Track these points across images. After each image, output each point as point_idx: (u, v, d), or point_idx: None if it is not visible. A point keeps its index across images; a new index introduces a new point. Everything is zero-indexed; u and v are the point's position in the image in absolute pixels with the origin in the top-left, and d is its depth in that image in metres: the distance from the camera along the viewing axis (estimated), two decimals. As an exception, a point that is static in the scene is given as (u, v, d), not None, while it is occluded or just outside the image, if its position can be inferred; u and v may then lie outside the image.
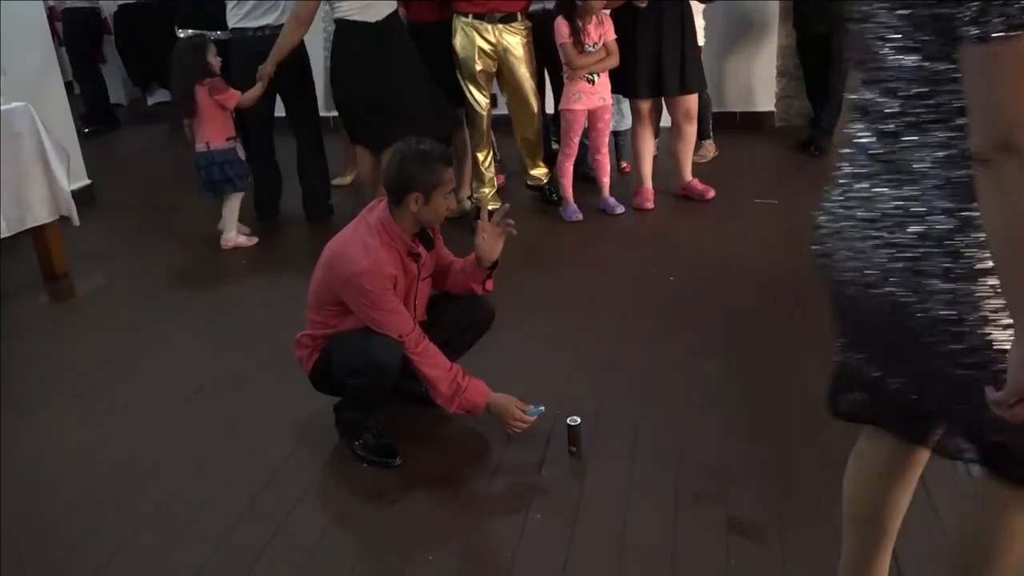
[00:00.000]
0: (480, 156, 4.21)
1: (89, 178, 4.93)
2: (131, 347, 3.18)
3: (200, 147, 3.91)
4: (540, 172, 4.43)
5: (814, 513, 2.14)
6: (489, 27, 3.94)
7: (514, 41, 4.02)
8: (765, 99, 5.58)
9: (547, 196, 4.44)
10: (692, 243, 3.97)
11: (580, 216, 4.23)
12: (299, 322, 2.50)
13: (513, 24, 3.98)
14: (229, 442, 2.58)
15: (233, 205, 4.06)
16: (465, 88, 4.09)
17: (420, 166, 2.26)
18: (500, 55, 4.02)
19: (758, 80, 5.53)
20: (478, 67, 4.03)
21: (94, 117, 6.48)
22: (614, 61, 4.03)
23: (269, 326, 3.26)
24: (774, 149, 5.24)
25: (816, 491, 2.21)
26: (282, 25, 3.93)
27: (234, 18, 4.04)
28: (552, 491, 2.27)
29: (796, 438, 2.43)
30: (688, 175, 4.45)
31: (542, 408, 2.39)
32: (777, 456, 2.37)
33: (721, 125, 5.18)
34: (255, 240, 4.13)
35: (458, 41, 3.99)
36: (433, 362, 2.31)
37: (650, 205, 4.34)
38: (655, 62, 4.06)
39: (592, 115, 4.12)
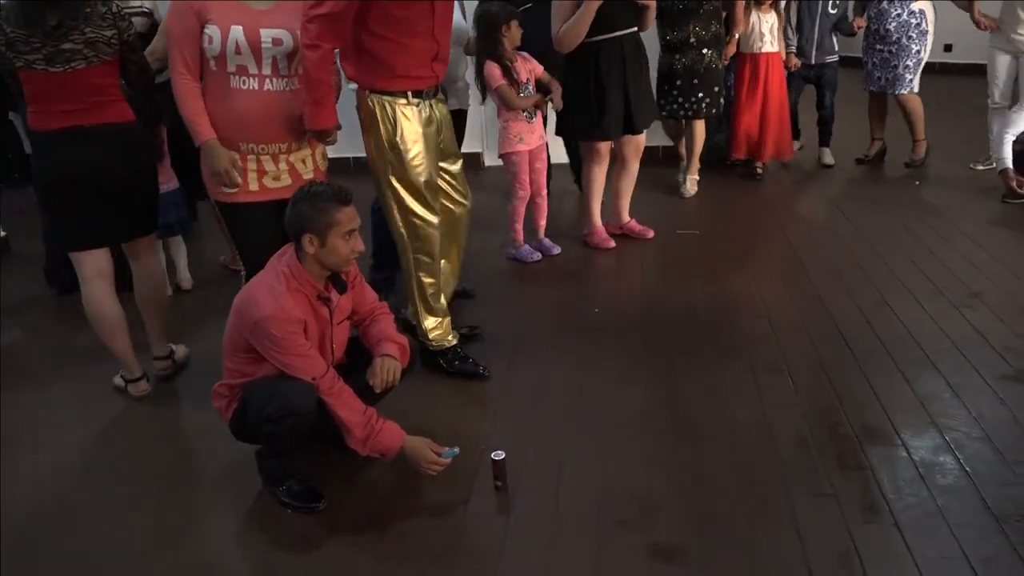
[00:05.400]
0: (430, 280, 3.04)
1: (4, 230, 4.80)
2: (49, 400, 3.09)
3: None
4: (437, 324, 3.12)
5: (734, 534, 2.19)
6: (430, 104, 2.90)
7: (445, 111, 3.03)
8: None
9: (458, 364, 3.10)
10: (616, 274, 4.06)
11: (538, 256, 4.19)
12: (220, 372, 2.47)
13: (439, 95, 3.00)
14: (150, 493, 2.53)
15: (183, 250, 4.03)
16: (411, 200, 2.89)
17: (311, 207, 2.26)
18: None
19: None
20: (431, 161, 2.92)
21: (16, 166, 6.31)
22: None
23: (190, 376, 3.20)
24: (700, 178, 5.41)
25: (736, 512, 2.27)
26: None
27: None
28: (478, 527, 2.27)
29: (716, 461, 2.50)
30: (627, 215, 4.50)
31: (456, 450, 2.40)
32: (698, 480, 2.42)
33: (644, 160, 5.31)
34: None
35: (400, 132, 2.81)
36: (347, 405, 2.30)
37: (612, 243, 4.34)
38: (624, 102, 4.05)
39: (531, 155, 4.09)
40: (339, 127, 2.84)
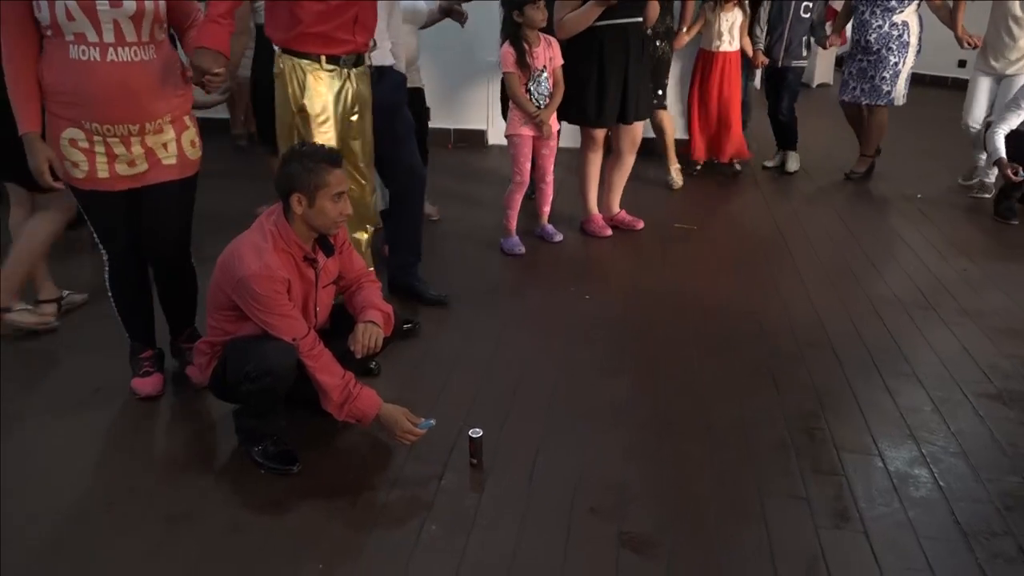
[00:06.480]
0: (365, 237, 3.14)
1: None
2: (27, 349, 3.08)
3: None
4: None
5: (702, 531, 2.20)
6: (347, 72, 2.79)
7: (367, 84, 2.93)
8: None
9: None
10: (609, 264, 4.05)
11: (523, 250, 4.07)
12: (200, 328, 2.47)
13: (361, 67, 2.88)
14: (124, 445, 2.53)
15: None
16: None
17: (301, 167, 2.25)
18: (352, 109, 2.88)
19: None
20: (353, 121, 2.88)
21: None
22: (560, 94, 3.95)
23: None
24: (697, 176, 5.41)
25: (706, 509, 2.28)
26: None
27: None
28: (450, 503, 2.28)
29: (691, 458, 2.50)
30: (617, 207, 4.47)
31: (432, 422, 2.40)
32: (672, 475, 2.43)
33: (650, 151, 5.31)
34: None
35: (308, 95, 2.71)
36: (326, 368, 2.30)
37: (609, 232, 4.32)
38: (622, 91, 4.01)
39: (537, 141, 4.00)
40: (225, 64, 2.41)
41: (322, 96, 2.73)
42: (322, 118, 2.74)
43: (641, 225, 4.44)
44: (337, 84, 2.76)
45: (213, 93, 2.54)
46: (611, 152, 4.34)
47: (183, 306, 2.82)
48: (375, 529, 2.18)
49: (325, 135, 2.74)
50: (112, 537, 2.13)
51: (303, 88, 2.70)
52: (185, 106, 2.52)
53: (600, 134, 4.20)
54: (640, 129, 4.27)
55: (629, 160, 4.34)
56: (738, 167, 5.42)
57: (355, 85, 2.83)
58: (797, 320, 3.43)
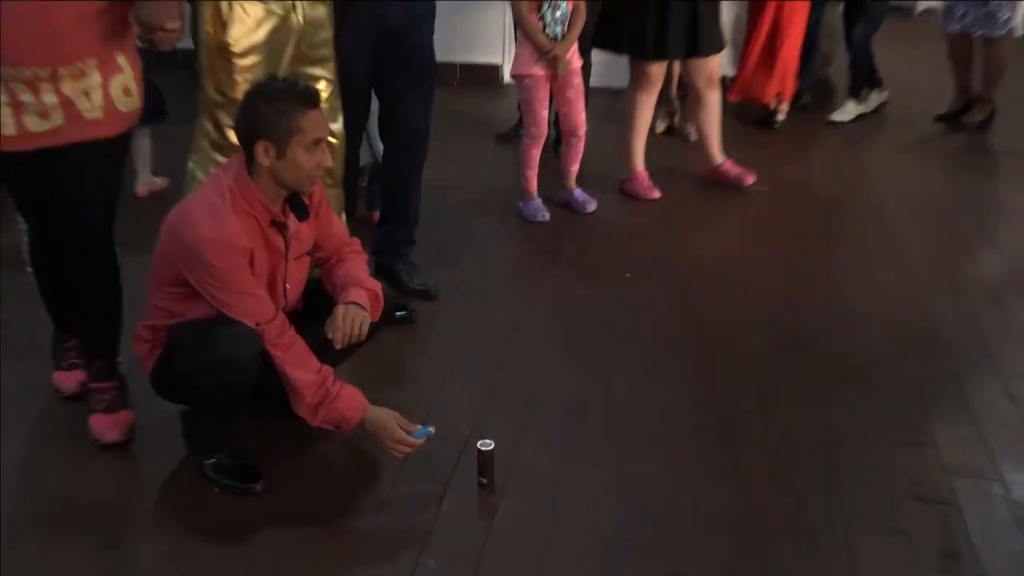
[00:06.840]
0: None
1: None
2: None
3: None
4: None
5: (775, 571, 2.17)
6: (289, 4, 2.81)
7: (323, 13, 2.89)
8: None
9: None
10: (657, 234, 4.02)
11: (547, 215, 4.07)
12: (141, 311, 2.45)
13: None
14: (44, 455, 2.54)
15: (144, 145, 4.11)
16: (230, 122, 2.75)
17: (269, 107, 2.22)
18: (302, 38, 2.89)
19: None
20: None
21: None
22: (580, 23, 3.87)
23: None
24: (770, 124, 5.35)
25: (779, 544, 2.24)
26: None
27: None
28: (452, 531, 2.27)
29: (758, 480, 2.48)
30: (720, 155, 4.45)
31: (431, 429, 2.39)
32: (734, 500, 2.40)
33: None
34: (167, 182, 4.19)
35: (231, 33, 2.75)
36: (298, 360, 2.28)
37: (657, 194, 4.30)
38: (691, 18, 4.01)
39: (554, 82, 3.92)
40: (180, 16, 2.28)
41: (249, 34, 2.73)
42: (248, 60, 2.74)
43: (752, 180, 4.42)
44: (274, 18, 2.75)
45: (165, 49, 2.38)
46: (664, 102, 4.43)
47: (98, 320, 2.62)
48: (357, 564, 2.18)
49: (248, 83, 2.64)
50: (29, 570, 2.12)
51: (225, 24, 2.71)
52: (121, 45, 2.36)
53: (658, 71, 4.19)
54: (717, 62, 4.28)
55: (713, 98, 4.35)
56: (780, 116, 5.32)
57: (303, 16, 2.80)
58: (894, 306, 3.39)
